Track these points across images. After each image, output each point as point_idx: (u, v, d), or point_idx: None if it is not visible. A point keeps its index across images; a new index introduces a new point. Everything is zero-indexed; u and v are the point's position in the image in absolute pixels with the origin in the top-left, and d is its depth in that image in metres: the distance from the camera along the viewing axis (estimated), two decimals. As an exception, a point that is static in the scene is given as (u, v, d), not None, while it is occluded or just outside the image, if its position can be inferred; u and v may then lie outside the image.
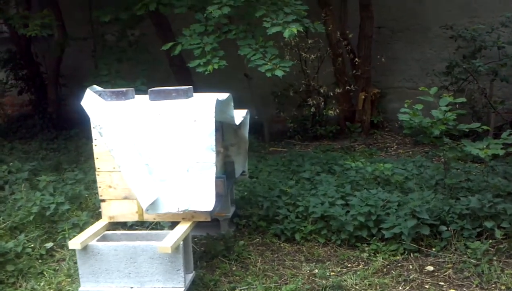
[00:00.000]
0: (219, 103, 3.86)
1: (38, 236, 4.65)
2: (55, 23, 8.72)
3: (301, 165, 6.47)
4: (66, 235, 4.56)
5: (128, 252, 3.53)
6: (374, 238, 4.57)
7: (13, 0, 8.34)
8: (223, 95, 4.05)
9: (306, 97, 8.27)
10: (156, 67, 8.03)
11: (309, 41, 7.84)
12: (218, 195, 4.25)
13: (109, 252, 3.55)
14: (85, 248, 3.56)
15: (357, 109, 8.36)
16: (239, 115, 4.67)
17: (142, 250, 3.52)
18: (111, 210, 3.89)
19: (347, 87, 8.11)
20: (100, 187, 3.87)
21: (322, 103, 8.19)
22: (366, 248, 4.52)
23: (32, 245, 4.53)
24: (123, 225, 4.94)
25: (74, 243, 3.51)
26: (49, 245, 4.56)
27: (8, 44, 10.15)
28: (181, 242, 3.52)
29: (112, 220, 3.91)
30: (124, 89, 4.01)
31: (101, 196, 3.88)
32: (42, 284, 4.06)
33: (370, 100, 8.30)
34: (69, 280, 4.10)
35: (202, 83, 7.64)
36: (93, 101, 3.78)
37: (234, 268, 4.27)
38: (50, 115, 9.47)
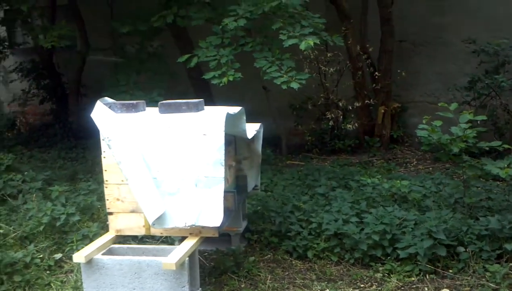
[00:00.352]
0: (229, 117, 3.80)
1: (48, 246, 4.62)
2: (78, 34, 8.87)
3: (317, 179, 6.36)
4: (74, 247, 4.53)
5: (133, 267, 3.48)
6: (388, 257, 4.43)
7: (37, 12, 8.46)
8: (235, 109, 3.98)
9: (325, 110, 8.18)
10: (176, 79, 8.04)
11: (328, 55, 7.77)
12: (228, 210, 4.19)
13: (114, 266, 3.50)
14: (90, 262, 3.51)
15: (376, 124, 8.22)
16: (252, 129, 4.59)
17: (147, 265, 3.46)
18: (118, 223, 3.84)
19: (366, 101, 8.00)
20: (108, 200, 3.83)
21: (341, 117, 8.09)
22: (380, 268, 4.38)
23: (41, 256, 4.50)
24: (134, 238, 4.89)
25: (79, 256, 3.47)
26: (58, 256, 4.54)
27: (31, 54, 10.33)
28: (187, 258, 3.44)
29: (119, 233, 3.86)
30: (134, 101, 3.98)
31: (108, 208, 3.85)
32: (49, 296, 4.03)
33: (390, 115, 8.16)
34: (76, 292, 4.06)
35: (221, 96, 7.64)
36: (102, 113, 3.75)
37: (243, 285, 4.17)
38: (70, 124, 9.57)
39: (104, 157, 3.78)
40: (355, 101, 8.06)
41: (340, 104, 8.03)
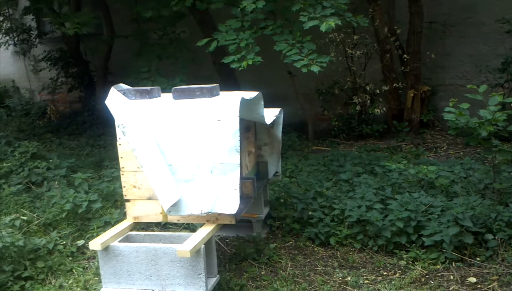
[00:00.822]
0: (245, 102, 3.72)
1: (70, 233, 4.66)
2: (103, 21, 8.90)
3: (342, 165, 6.24)
4: (95, 233, 4.55)
5: (149, 254, 3.45)
6: (413, 245, 4.30)
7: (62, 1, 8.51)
8: (251, 94, 3.90)
9: (352, 95, 8.01)
10: (201, 65, 7.99)
11: (355, 37, 7.58)
12: (247, 196, 4.14)
13: (130, 253, 3.48)
14: (106, 249, 3.51)
15: (405, 108, 7.99)
16: (271, 114, 4.49)
17: (163, 252, 3.43)
18: (135, 210, 3.82)
19: (395, 85, 7.78)
20: (124, 187, 3.81)
21: (369, 101, 7.90)
22: (404, 256, 4.26)
23: (63, 242, 4.55)
24: (157, 224, 4.90)
25: (95, 244, 3.46)
26: (80, 242, 4.57)
27: (59, 43, 10.45)
28: (203, 246, 3.40)
29: (136, 221, 3.85)
30: (148, 87, 3.93)
31: (125, 195, 3.83)
32: (70, 281, 4.05)
33: (419, 98, 7.91)
34: (97, 278, 4.06)
35: (246, 81, 7.58)
36: (117, 100, 3.72)
37: (263, 272, 4.12)
38: (98, 112, 9.65)
39: (120, 144, 3.76)
40: (383, 85, 7.85)
41: (368, 88, 7.84)
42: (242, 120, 4.18)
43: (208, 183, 3.57)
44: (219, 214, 3.61)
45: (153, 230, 4.88)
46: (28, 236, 4.52)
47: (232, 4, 5.93)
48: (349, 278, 4.00)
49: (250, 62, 5.20)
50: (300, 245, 4.61)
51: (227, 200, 3.54)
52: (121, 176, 3.82)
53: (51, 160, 6.00)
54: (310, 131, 8.21)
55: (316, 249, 4.54)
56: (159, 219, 3.80)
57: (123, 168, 3.80)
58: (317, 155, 7.09)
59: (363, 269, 4.14)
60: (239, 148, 3.54)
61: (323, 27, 4.85)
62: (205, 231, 3.52)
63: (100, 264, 3.55)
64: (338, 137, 8.15)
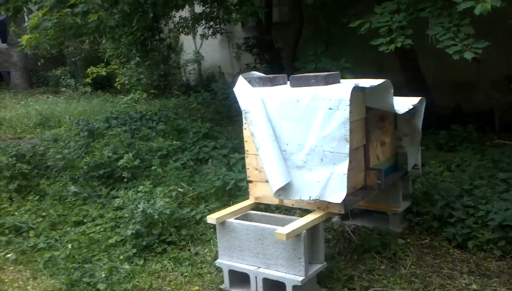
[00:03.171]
0: (368, 90, 3.67)
1: (217, 207, 5.09)
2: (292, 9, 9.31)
3: (514, 162, 5.57)
4: (232, 210, 4.91)
5: (257, 233, 3.66)
6: None
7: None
8: (374, 82, 3.77)
9: (550, 83, 7.00)
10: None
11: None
12: (370, 188, 4.06)
13: (241, 230, 3.73)
14: (223, 224, 3.81)
15: None
16: (408, 103, 4.25)
17: (269, 233, 3.59)
18: (256, 191, 4.06)
19: None
20: (248, 169, 4.07)
21: None
22: (553, 270, 3.71)
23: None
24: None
25: (211, 218, 3.80)
26: (223, 216, 4.98)
27: (254, 32, 11.22)
28: (304, 231, 3.47)
29: (257, 201, 4.08)
30: (272, 75, 4.10)
31: (249, 177, 4.08)
32: (205, 250, 4.49)
33: None
34: (228, 251, 4.42)
35: (427, 65, 7.30)
36: (242, 87, 3.97)
37: (382, 267, 4.01)
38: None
39: (245, 128, 4.00)
40: None
41: None
42: (372, 109, 4.11)
43: (318, 170, 3.61)
44: (330, 203, 3.63)
45: (295, 213, 5.04)
46: (182, 206, 5.11)
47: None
48: (474, 286, 3.66)
49: (398, 44, 4.97)
50: (435, 244, 4.34)
51: (335, 188, 3.54)
52: (246, 158, 4.08)
53: (219, 140, 6.58)
54: (497, 123, 7.43)
55: (451, 251, 4.22)
56: (275, 201, 3.97)
57: (247, 151, 4.05)
58: (496, 150, 6.41)
59: (496, 279, 3.74)
60: (348, 137, 3.49)
61: (477, 10, 4.35)
62: (310, 218, 3.59)
63: (217, 237, 3.88)
64: (529, 131, 7.22)
